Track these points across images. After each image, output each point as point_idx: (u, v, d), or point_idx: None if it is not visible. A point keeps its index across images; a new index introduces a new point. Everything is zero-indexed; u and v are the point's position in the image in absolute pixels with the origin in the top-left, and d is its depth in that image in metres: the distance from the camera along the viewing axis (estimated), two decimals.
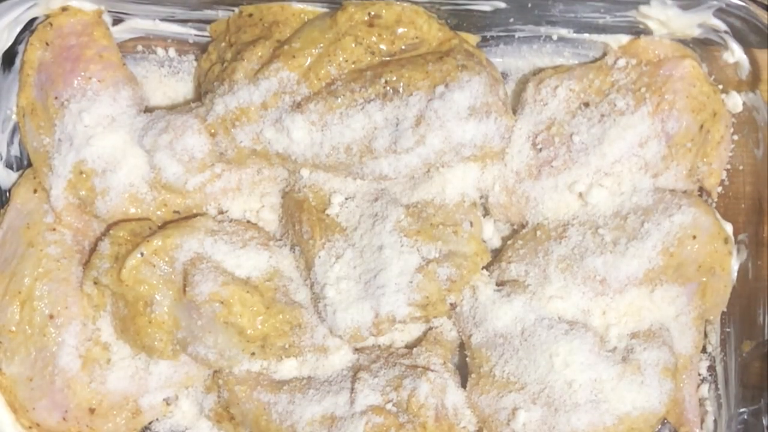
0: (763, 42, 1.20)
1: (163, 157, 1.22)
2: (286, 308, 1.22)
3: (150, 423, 1.31)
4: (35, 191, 1.29)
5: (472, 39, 1.30)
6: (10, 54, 1.27)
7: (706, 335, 1.30)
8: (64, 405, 1.24)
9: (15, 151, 1.33)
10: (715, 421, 1.29)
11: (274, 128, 1.19)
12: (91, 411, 1.24)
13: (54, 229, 1.27)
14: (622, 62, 1.26)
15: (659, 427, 1.27)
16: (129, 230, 1.24)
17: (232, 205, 1.30)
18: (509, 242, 1.29)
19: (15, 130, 1.32)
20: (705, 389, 1.30)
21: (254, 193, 1.30)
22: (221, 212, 1.30)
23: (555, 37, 1.32)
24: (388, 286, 1.18)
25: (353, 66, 1.20)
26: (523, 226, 1.29)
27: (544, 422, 1.17)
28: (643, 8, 1.22)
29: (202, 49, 1.35)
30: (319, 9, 1.25)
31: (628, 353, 1.18)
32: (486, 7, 1.25)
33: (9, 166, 1.32)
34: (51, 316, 1.23)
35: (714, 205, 1.29)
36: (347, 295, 1.20)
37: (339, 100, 1.17)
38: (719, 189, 1.30)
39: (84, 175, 1.24)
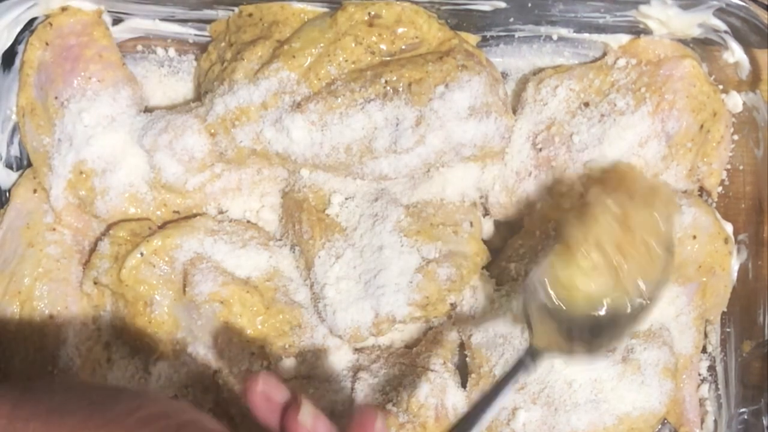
0: (763, 42, 1.20)
1: (163, 157, 1.22)
2: (286, 308, 1.22)
3: None
4: (35, 191, 1.29)
5: (472, 39, 1.30)
6: (10, 54, 1.27)
7: (706, 335, 1.30)
8: None
9: (15, 151, 1.33)
10: (715, 421, 1.29)
11: (274, 128, 1.19)
12: None
13: (54, 229, 1.27)
14: (622, 62, 1.26)
15: (659, 427, 1.27)
16: (129, 230, 1.24)
17: (232, 205, 1.30)
18: (509, 242, 1.29)
19: (15, 130, 1.31)
20: (705, 389, 1.30)
21: (254, 193, 1.30)
22: (221, 212, 1.30)
23: (555, 37, 1.32)
24: (388, 286, 1.18)
25: (353, 66, 1.20)
26: (523, 226, 1.29)
27: (544, 422, 1.17)
28: (643, 8, 1.22)
29: (202, 49, 1.35)
30: (319, 9, 1.25)
31: (628, 353, 1.18)
32: (486, 7, 1.25)
33: (9, 166, 1.32)
34: (51, 316, 1.23)
35: (714, 205, 1.29)
36: (347, 295, 1.20)
37: (339, 100, 1.17)
38: (719, 189, 1.30)
39: (84, 175, 1.24)
